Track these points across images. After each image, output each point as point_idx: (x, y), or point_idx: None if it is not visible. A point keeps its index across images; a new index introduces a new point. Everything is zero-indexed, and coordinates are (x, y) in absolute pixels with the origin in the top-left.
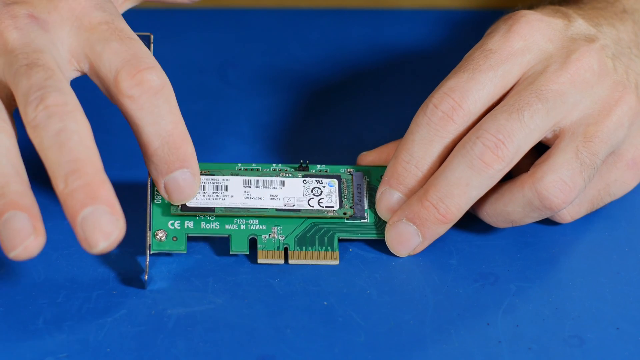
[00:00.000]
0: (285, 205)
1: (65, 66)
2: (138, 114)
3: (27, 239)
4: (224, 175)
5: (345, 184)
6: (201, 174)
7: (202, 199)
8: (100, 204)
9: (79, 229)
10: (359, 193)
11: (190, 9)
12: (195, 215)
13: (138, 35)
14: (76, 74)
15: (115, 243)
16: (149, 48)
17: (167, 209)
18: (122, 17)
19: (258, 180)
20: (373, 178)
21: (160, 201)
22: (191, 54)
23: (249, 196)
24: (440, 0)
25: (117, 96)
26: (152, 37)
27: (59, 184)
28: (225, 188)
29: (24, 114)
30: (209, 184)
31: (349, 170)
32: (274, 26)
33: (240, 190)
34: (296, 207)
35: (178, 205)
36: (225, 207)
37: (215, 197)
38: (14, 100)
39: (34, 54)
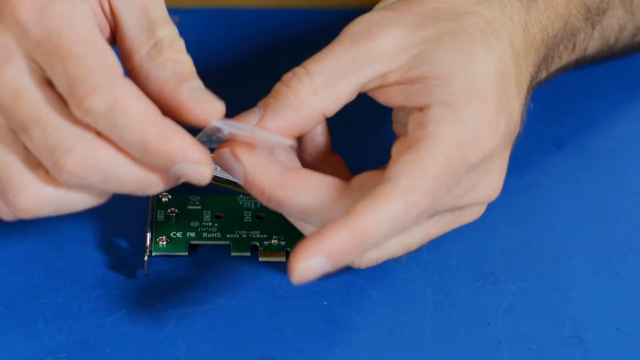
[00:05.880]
0: None
1: None
2: (105, 133)
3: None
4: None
5: None
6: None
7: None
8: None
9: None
10: None
11: (190, 9)
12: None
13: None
14: None
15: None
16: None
17: (170, 220)
18: (66, 23)
19: None
20: None
21: (163, 219)
22: (191, 54)
23: None
24: None
25: None
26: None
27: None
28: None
29: None
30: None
31: None
32: (274, 26)
33: None
34: None
35: None
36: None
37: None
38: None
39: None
